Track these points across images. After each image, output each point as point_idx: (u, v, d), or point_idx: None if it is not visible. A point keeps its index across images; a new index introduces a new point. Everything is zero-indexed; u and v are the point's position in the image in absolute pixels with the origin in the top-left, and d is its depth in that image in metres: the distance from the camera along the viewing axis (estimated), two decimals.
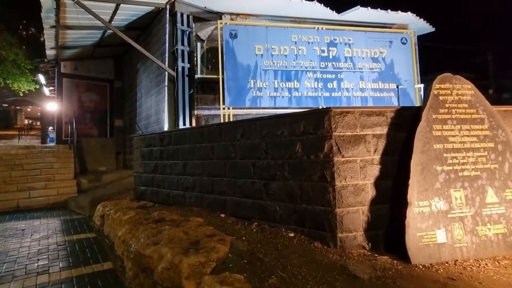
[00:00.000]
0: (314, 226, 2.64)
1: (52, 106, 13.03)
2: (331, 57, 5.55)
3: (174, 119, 5.75)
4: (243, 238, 2.74)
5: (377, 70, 5.69)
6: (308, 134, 2.72)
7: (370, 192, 2.57)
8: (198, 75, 5.53)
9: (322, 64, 5.51)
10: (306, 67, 5.45)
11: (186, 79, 5.69)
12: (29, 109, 31.54)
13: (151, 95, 6.62)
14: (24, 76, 10.87)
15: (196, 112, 5.81)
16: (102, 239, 3.81)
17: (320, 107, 4.73)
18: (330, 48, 5.56)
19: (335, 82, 5.52)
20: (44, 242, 3.58)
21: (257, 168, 3.16)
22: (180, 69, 5.62)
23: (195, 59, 5.87)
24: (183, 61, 5.67)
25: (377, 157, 2.62)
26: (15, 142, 19.82)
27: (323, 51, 5.54)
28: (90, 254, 3.22)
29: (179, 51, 5.64)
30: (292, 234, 2.75)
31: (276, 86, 5.30)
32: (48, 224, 4.44)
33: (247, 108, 5.21)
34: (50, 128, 12.09)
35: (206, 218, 3.38)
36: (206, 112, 5.94)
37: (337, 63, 5.55)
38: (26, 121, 29.55)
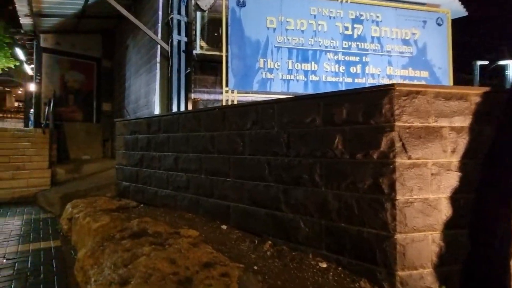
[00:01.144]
0: (359, 256, 1.83)
1: (32, 86, 11.95)
2: (355, 36, 4.66)
3: (166, 103, 4.86)
4: (255, 267, 1.92)
5: (408, 55, 4.84)
6: (355, 123, 1.88)
7: (444, 211, 1.76)
8: (196, 51, 4.61)
9: (345, 44, 4.63)
10: (326, 47, 4.56)
11: (183, 55, 4.77)
12: (19, 91, 30.11)
13: (140, 74, 5.69)
14: (2, 51, 9.77)
15: (193, 95, 4.91)
16: (67, 250, 2.97)
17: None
18: (355, 25, 4.67)
19: (359, 66, 4.65)
20: None
21: (274, 167, 2.32)
22: (175, 42, 4.70)
23: (194, 32, 4.93)
24: (179, 33, 4.74)
25: (455, 160, 1.80)
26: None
27: (346, 28, 4.65)
28: (44, 276, 2.38)
29: (175, 21, 4.71)
30: (324, 265, 1.94)
31: (290, 67, 4.42)
32: (4, 226, 3.57)
33: (254, 93, 4.34)
34: (32, 110, 11.03)
35: (202, 231, 2.55)
36: (205, 96, 5.04)
37: (362, 44, 4.68)
38: (16, 104, 28.18)
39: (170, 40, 4.73)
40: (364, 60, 4.67)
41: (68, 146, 7.72)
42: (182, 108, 4.73)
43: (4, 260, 2.63)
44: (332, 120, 1.99)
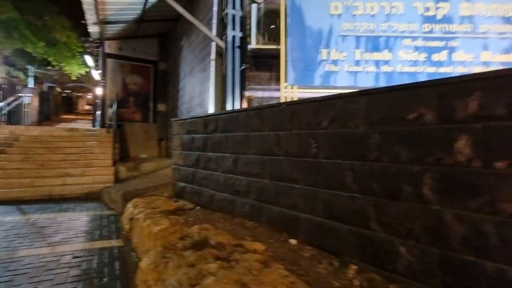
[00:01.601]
0: None
1: (99, 90, 13.20)
2: (439, 16, 3.91)
3: (220, 101, 4.70)
4: None
5: (511, 36, 3.90)
6: (492, 119, 1.35)
7: None
8: (252, 46, 4.35)
9: (426, 27, 3.91)
10: (401, 32, 3.91)
11: (237, 51, 4.56)
12: (88, 96, 34.07)
13: (194, 73, 5.66)
14: (75, 59, 10.90)
15: (247, 93, 4.67)
16: (128, 252, 2.92)
17: None
18: (439, 5, 3.92)
19: (444, 53, 3.89)
20: (58, 251, 2.80)
21: (360, 174, 1.88)
22: (230, 38, 4.50)
23: (249, 26, 4.68)
24: (233, 28, 4.53)
25: None
26: (72, 125, 21.20)
27: (427, 8, 3.93)
28: (108, 280, 2.31)
29: (229, 16, 4.51)
30: None
31: (357, 57, 3.88)
32: (74, 221, 3.74)
33: (316, 88, 3.90)
34: (98, 112, 12.16)
35: (268, 244, 2.23)
36: (260, 94, 4.76)
37: (448, 26, 3.90)
38: (87, 107, 31.91)
39: (224, 36, 4.55)
40: (450, 45, 3.90)
41: (128, 145, 8.20)
42: (237, 107, 4.51)
43: (73, 259, 2.65)
44: (452, 116, 1.49)
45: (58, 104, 25.49)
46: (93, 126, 14.93)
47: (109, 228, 3.58)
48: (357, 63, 3.87)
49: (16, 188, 4.73)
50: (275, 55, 4.57)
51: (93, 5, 5.79)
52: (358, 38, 3.89)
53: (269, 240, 2.37)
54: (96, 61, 9.51)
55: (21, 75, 15.07)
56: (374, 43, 3.89)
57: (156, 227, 2.60)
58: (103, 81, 8.37)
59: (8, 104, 6.60)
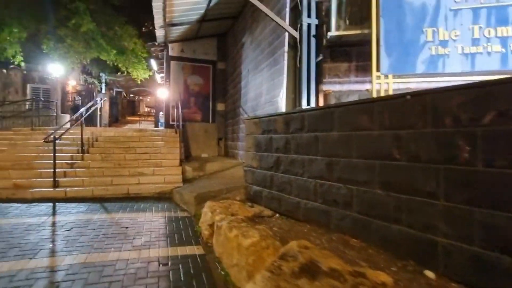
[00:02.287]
0: None
1: (162, 92, 13.96)
2: None
3: (293, 97, 4.29)
4: None
5: None
6: None
7: None
8: (332, 33, 3.84)
9: None
10: None
11: (313, 41, 4.10)
12: (148, 99, 37.13)
13: (261, 69, 5.36)
14: (140, 64, 11.65)
15: (323, 87, 4.18)
16: (211, 260, 2.71)
17: None
18: None
19: None
20: (145, 257, 2.70)
21: None
22: (305, 27, 4.06)
23: (325, 12, 4.17)
24: (309, 15, 4.09)
25: None
26: (136, 126, 23.13)
27: None
28: None
29: (304, 2, 4.07)
30: None
31: (475, 36, 3.10)
32: (153, 222, 3.72)
33: (418, 76, 3.23)
34: (161, 113, 12.88)
35: (393, 275, 1.74)
36: (337, 87, 4.22)
37: None
38: (146, 109, 34.80)
39: (298, 25, 4.12)
40: None
41: (190, 145, 8.36)
42: (313, 102, 4.05)
43: (160, 267, 2.51)
44: None
45: (124, 107, 28.18)
46: (155, 126, 15.96)
47: (187, 232, 3.45)
48: (475, 42, 3.08)
49: (99, 186, 5.03)
50: (357, 42, 4.00)
51: (162, 8, 5.90)
52: (476, 10, 3.09)
53: (391, 268, 1.87)
54: (160, 64, 9.97)
55: (96, 82, 16.85)
56: (500, 16, 3.05)
57: (246, 240, 2.30)
58: (167, 83, 8.69)
59: (88, 109, 7.15)
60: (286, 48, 4.18)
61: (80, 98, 15.37)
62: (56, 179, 4.94)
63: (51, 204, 4.34)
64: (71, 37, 9.57)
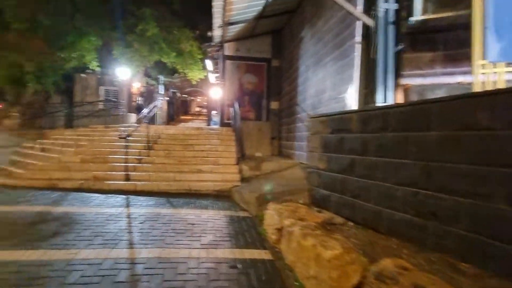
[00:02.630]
0: None
1: (215, 92, 14.43)
2: None
3: (365, 93, 3.89)
4: None
5: None
6: None
7: None
8: (415, 18, 3.35)
9: None
10: None
11: (391, 29, 3.64)
12: (198, 99, 39.11)
13: (323, 64, 5.03)
14: (196, 65, 12.15)
15: (402, 81, 3.69)
16: (281, 267, 2.54)
17: None
18: None
19: None
20: (213, 257, 2.66)
21: None
22: (381, 13, 3.63)
23: None
24: (386, 0, 3.62)
25: None
26: (189, 125, 24.41)
27: None
28: None
29: None
30: None
31: None
32: (216, 220, 3.72)
33: None
34: (214, 111, 13.31)
35: None
36: (418, 81, 3.69)
37: None
38: (197, 109, 36.68)
39: (373, 12, 3.70)
40: None
41: (244, 144, 8.37)
42: (390, 99, 3.60)
43: (230, 269, 2.42)
44: None
45: (178, 106, 30.07)
46: (208, 125, 16.59)
47: (250, 233, 3.35)
48: None
49: (163, 181, 5.28)
50: (445, 27, 3.43)
51: (222, 7, 5.95)
52: None
53: None
54: (215, 64, 10.24)
55: (155, 83, 18.20)
56: None
57: (327, 252, 2.06)
58: (222, 82, 8.86)
59: (151, 110, 7.63)
60: (358, 38, 3.79)
61: (142, 98, 16.78)
62: (127, 173, 5.33)
63: (124, 196, 4.67)
64: (138, 42, 10.40)
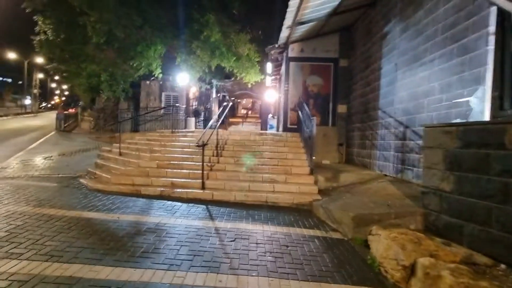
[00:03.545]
0: None
1: (270, 95, 14.17)
2: None
3: (497, 96, 3.11)
4: None
5: None
6: None
7: None
8: None
9: None
10: None
11: None
12: (244, 102, 39.64)
13: (425, 62, 4.29)
14: (253, 68, 12.02)
15: None
16: None
17: None
18: None
19: None
20: None
21: None
22: None
23: None
24: None
25: None
26: (239, 127, 24.67)
27: None
28: None
29: None
30: None
31: None
32: (308, 243, 3.31)
33: None
34: (270, 115, 13.05)
35: None
36: None
37: None
38: (243, 111, 37.18)
39: None
40: None
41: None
42: None
43: None
44: None
45: (229, 109, 30.77)
46: (261, 129, 16.42)
47: (357, 263, 2.85)
48: None
49: (238, 191, 5.07)
50: None
51: (297, 6, 5.57)
52: None
53: None
54: (275, 67, 9.95)
55: (210, 88, 18.70)
56: None
57: None
58: (286, 85, 8.49)
59: (221, 115, 7.56)
60: (492, 28, 3.04)
61: (199, 103, 17.36)
62: (203, 180, 5.23)
63: (204, 206, 4.54)
64: (201, 48, 10.62)
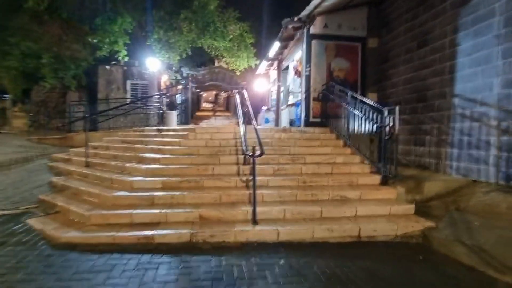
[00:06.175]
0: None
1: (261, 85, 12.34)
2: None
3: None
4: None
5: None
6: None
7: None
8: None
9: None
10: None
11: None
12: (205, 95, 36.84)
13: None
14: (246, 51, 10.11)
15: None
16: None
17: None
18: None
19: None
20: None
21: None
22: None
23: None
24: None
25: None
26: (212, 122, 22.44)
27: None
28: None
29: None
30: None
31: None
32: None
33: None
34: (265, 107, 11.25)
35: None
36: None
37: None
38: (205, 105, 34.49)
39: None
40: None
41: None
42: None
43: None
44: None
45: (194, 102, 28.08)
46: (276, 124, 14.35)
47: None
48: None
49: (309, 221, 3.31)
50: None
51: None
52: None
53: None
54: (283, 47, 8.24)
55: (178, 77, 16.14)
56: None
57: None
58: (307, 68, 6.87)
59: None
60: None
61: (173, 93, 14.81)
62: (254, 208, 3.37)
63: (271, 260, 2.65)
64: (190, 21, 8.30)
